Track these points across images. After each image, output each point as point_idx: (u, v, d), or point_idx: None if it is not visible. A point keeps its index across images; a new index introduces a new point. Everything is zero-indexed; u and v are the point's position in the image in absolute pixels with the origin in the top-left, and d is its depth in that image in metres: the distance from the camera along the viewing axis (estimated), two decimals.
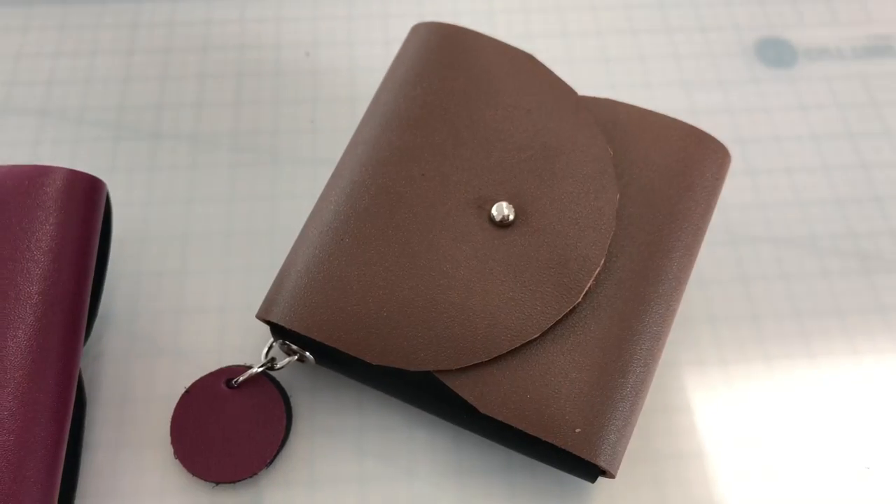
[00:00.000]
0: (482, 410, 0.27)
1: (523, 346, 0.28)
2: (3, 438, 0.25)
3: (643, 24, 0.42)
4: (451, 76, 0.32)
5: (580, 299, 0.28)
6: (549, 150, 0.31)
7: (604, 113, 0.32)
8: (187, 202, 0.36)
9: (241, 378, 0.31)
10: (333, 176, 0.32)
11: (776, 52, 0.41)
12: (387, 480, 0.30)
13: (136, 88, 0.39)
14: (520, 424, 0.27)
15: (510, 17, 0.42)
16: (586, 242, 0.29)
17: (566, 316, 0.28)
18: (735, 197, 0.37)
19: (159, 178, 0.36)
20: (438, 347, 0.28)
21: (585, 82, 0.40)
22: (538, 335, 0.28)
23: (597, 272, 0.29)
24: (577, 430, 0.27)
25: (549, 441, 0.27)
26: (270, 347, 0.31)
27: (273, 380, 0.31)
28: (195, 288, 0.34)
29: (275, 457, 0.30)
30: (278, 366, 0.31)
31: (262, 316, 0.29)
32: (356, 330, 0.28)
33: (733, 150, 0.38)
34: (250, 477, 0.29)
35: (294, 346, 0.30)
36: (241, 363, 0.32)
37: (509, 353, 0.28)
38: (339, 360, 0.29)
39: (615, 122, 0.32)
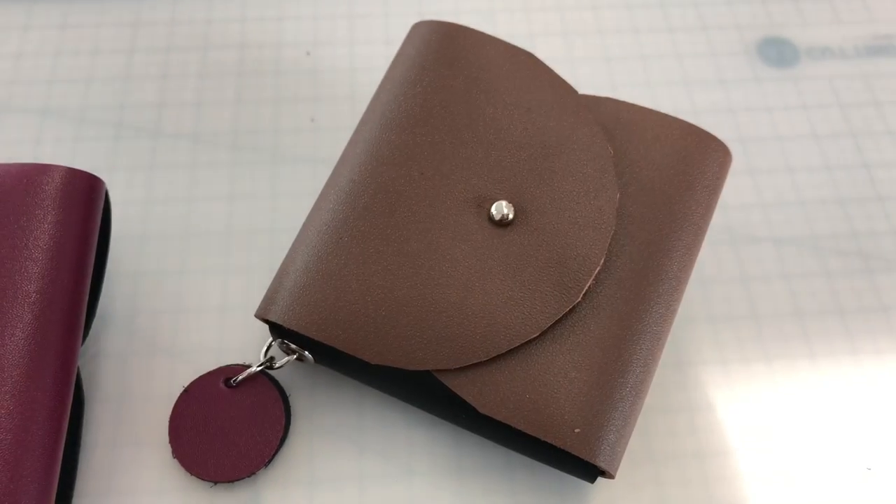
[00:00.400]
0: (481, 410, 0.27)
1: (522, 345, 0.28)
2: (1, 437, 0.25)
3: (644, 24, 0.42)
4: (451, 75, 0.32)
5: (580, 299, 0.28)
6: (548, 148, 0.31)
7: (604, 112, 0.32)
8: (187, 201, 0.36)
9: (240, 377, 0.31)
10: (333, 175, 0.31)
11: (778, 52, 0.41)
12: (386, 480, 0.30)
13: (137, 87, 0.39)
14: (519, 424, 0.27)
15: (511, 16, 0.42)
16: (586, 242, 0.29)
17: (566, 315, 0.28)
18: (736, 196, 0.37)
19: (159, 176, 0.36)
20: (437, 347, 0.28)
21: (586, 82, 0.40)
22: (537, 335, 0.28)
23: (596, 272, 0.29)
24: (577, 431, 0.27)
25: (548, 441, 0.27)
26: (269, 347, 0.31)
27: (272, 379, 0.31)
28: (194, 287, 0.34)
29: (273, 456, 0.30)
30: (277, 365, 0.31)
31: (261, 315, 0.29)
32: (355, 329, 0.28)
33: (735, 149, 0.38)
34: (249, 476, 0.29)
35: (293, 346, 0.30)
36: (240, 362, 0.32)
37: (508, 352, 0.28)
38: (338, 360, 0.29)
39: (616, 120, 0.32)
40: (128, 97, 0.39)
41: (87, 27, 0.41)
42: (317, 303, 0.28)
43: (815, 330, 0.34)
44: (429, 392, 0.29)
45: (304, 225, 0.31)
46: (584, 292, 0.28)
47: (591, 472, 0.28)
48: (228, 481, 0.29)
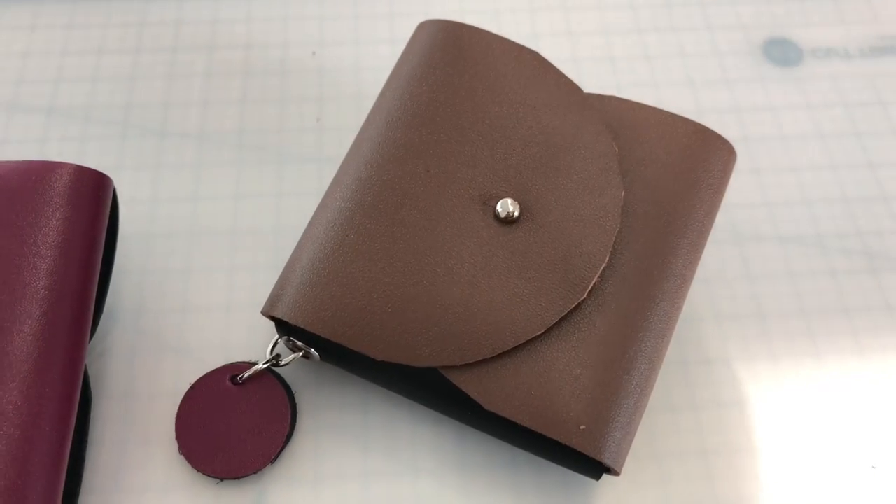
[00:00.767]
0: (486, 407, 0.27)
1: (528, 342, 0.28)
2: (9, 432, 0.25)
3: (649, 24, 0.42)
4: (456, 73, 0.32)
5: (585, 296, 0.28)
6: (554, 147, 0.31)
7: (609, 110, 0.32)
8: (193, 199, 0.36)
9: (246, 375, 0.31)
10: (338, 173, 0.32)
11: (782, 52, 0.41)
12: (391, 477, 0.30)
13: (144, 86, 0.39)
14: (524, 421, 0.27)
15: (516, 16, 0.42)
16: (591, 239, 0.29)
17: (571, 313, 0.28)
18: (741, 195, 0.37)
19: (166, 175, 0.37)
20: (443, 344, 0.28)
21: (592, 81, 0.40)
22: (543, 332, 0.28)
23: (602, 269, 0.29)
24: (582, 427, 0.27)
25: (554, 438, 0.27)
26: (275, 344, 0.31)
27: (278, 376, 0.31)
28: (201, 285, 0.34)
29: (279, 453, 0.30)
30: (283, 362, 0.31)
31: (267, 312, 0.29)
32: (361, 326, 0.28)
33: (739, 148, 0.38)
34: (255, 473, 0.29)
35: (299, 343, 0.30)
36: (246, 360, 0.32)
37: (514, 349, 0.28)
38: (343, 357, 0.29)
39: (620, 119, 0.32)
40: (134, 97, 0.39)
41: (94, 27, 0.41)
42: (323, 300, 0.28)
43: (820, 329, 0.34)
44: (434, 389, 0.29)
45: (310, 223, 0.31)
46: (589, 289, 0.29)
47: (596, 469, 0.28)
48: (235, 478, 0.29)
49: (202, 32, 0.41)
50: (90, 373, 0.31)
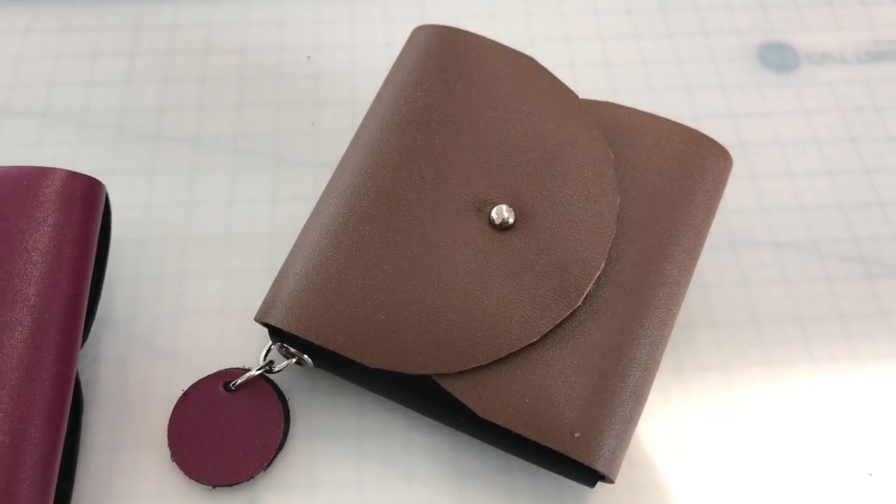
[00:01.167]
0: (481, 414, 0.27)
1: (522, 349, 0.28)
2: None
3: (645, 29, 0.42)
4: (451, 79, 0.32)
5: (580, 303, 0.28)
6: (549, 153, 0.31)
7: (605, 116, 0.32)
8: (188, 204, 0.36)
9: (239, 381, 0.31)
10: (333, 178, 0.31)
11: (779, 57, 0.41)
12: (385, 484, 0.30)
13: (138, 90, 0.39)
14: (518, 429, 0.27)
15: (512, 21, 0.42)
16: (586, 246, 0.29)
17: (566, 320, 0.28)
18: (737, 201, 0.37)
19: (160, 180, 0.36)
20: (437, 351, 0.28)
21: (587, 87, 0.40)
22: (537, 339, 0.28)
23: (597, 276, 0.29)
24: (577, 435, 0.27)
25: (548, 445, 0.27)
26: (269, 350, 0.31)
27: (271, 383, 0.31)
28: (194, 290, 0.34)
29: (272, 460, 0.30)
30: (276, 369, 0.30)
31: (261, 318, 0.29)
32: (354, 333, 0.28)
33: (735, 154, 0.38)
34: (248, 480, 0.29)
35: (292, 349, 0.29)
36: (240, 366, 0.32)
37: (508, 356, 0.28)
38: (337, 364, 0.29)
39: (616, 125, 0.32)
40: (129, 101, 0.39)
41: (89, 31, 0.41)
42: (316, 306, 0.28)
43: (816, 335, 0.34)
44: (428, 396, 0.29)
45: (305, 228, 0.31)
46: (584, 297, 0.28)
47: (590, 476, 0.28)
48: (227, 485, 0.29)
49: (197, 36, 0.41)
50: (82, 378, 0.31)
